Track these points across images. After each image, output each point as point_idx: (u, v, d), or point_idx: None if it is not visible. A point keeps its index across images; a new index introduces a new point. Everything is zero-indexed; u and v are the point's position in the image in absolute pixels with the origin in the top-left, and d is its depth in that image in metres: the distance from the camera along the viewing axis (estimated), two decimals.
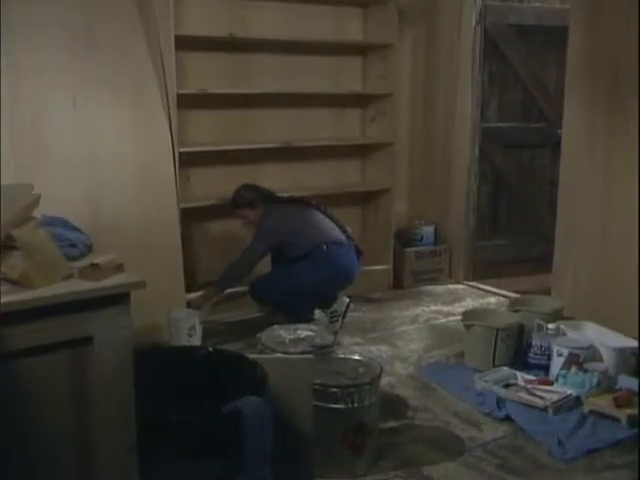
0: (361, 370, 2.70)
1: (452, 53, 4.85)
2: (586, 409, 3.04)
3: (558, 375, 3.33)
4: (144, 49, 3.55)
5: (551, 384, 3.27)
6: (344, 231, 3.99)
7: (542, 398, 3.15)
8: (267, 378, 2.21)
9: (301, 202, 4.01)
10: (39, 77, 3.25)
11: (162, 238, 3.60)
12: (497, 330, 3.46)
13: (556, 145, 4.33)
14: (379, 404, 2.71)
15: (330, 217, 3.99)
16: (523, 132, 5.13)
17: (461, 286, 4.99)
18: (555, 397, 3.15)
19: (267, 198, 3.98)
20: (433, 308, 4.51)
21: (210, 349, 2.46)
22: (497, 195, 5.13)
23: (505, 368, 3.42)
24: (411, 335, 4.00)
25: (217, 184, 4.19)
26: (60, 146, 3.35)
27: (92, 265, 1.87)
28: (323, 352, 2.83)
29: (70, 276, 1.88)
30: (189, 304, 3.84)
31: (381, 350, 3.77)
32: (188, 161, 4.03)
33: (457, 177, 4.95)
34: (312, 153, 4.61)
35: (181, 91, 3.84)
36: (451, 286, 4.97)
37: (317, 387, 2.53)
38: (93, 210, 3.36)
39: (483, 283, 4.96)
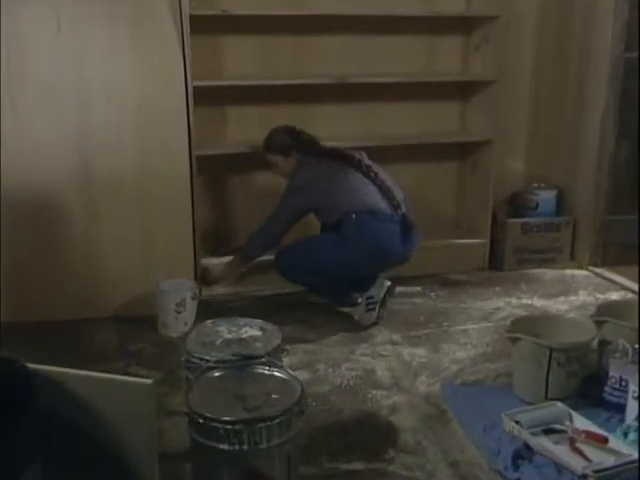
0: (276, 396, 2.10)
1: None
2: None
3: (628, 428, 2.41)
4: None
5: (605, 442, 2.35)
6: (391, 198, 3.32)
7: (586, 459, 2.27)
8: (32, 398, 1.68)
9: (340, 157, 3.42)
10: None
11: (168, 192, 3.37)
12: (551, 350, 2.64)
13: None
14: (302, 444, 2.18)
15: (373, 178, 3.36)
16: None
17: (583, 272, 4.07)
18: (608, 461, 2.25)
19: (305, 147, 3.43)
20: (525, 301, 3.69)
21: None
22: None
23: (559, 404, 2.59)
24: (468, 338, 3.28)
25: (261, 127, 3.64)
26: (44, 77, 3.13)
27: None
28: (249, 364, 2.27)
29: None
30: (205, 274, 3.56)
31: (414, 355, 3.11)
32: (225, 97, 3.73)
33: (589, 128, 3.99)
34: (391, 92, 3.97)
35: (202, 12, 3.43)
36: (569, 271, 4.08)
37: (197, 418, 1.98)
38: (82, 153, 3.24)
39: (613, 271, 3.97)
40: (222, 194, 3.93)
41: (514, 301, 3.67)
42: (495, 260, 4.07)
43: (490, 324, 3.39)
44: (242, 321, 2.55)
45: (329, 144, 3.56)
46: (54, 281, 3.32)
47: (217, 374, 2.20)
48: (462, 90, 4.09)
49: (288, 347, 2.55)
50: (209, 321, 2.55)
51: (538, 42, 4.12)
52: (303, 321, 3.37)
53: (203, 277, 3.58)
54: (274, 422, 1.99)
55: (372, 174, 3.35)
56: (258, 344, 2.40)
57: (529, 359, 2.69)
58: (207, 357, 2.26)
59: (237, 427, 1.97)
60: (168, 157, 3.33)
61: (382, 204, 3.28)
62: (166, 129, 3.31)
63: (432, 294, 3.75)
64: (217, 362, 2.24)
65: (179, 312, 3.22)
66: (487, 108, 3.97)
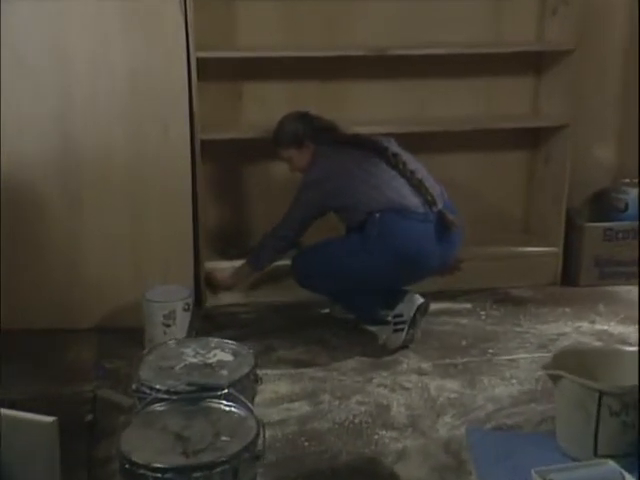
0: (226, 438, 2.05)
1: None
2: None
3: None
4: None
5: None
6: (424, 193, 3.21)
7: None
8: None
9: (363, 145, 3.33)
10: None
11: (164, 182, 3.36)
12: (600, 394, 2.46)
13: None
14: None
15: (401, 170, 3.25)
16: None
17: None
18: None
19: (321, 135, 3.37)
20: (600, 327, 3.52)
21: None
22: None
23: (610, 463, 2.36)
24: (516, 370, 3.14)
25: (283, 107, 3.60)
26: (18, 45, 3.15)
27: None
28: (204, 396, 2.21)
29: None
30: (211, 279, 3.57)
31: (443, 389, 3.00)
32: (240, 72, 3.70)
33: None
34: (443, 66, 3.85)
35: None
36: None
37: (124, 462, 1.93)
38: (64, 136, 3.24)
39: None
40: (235, 186, 3.90)
41: (585, 326, 3.52)
42: (569, 273, 3.95)
43: (548, 354, 3.16)
44: (213, 342, 2.52)
45: (365, 130, 3.49)
46: (29, 284, 3.33)
47: (162, 408, 2.15)
48: (534, 63, 3.96)
49: (261, 375, 2.46)
50: (172, 341, 2.52)
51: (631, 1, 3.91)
52: (318, 340, 3.34)
53: (208, 283, 3.57)
54: (214, 471, 1.91)
55: (400, 165, 3.24)
56: (224, 372, 2.35)
57: (574, 404, 2.52)
58: (157, 386, 2.21)
59: (168, 476, 1.89)
60: (165, 141, 3.30)
61: (412, 200, 3.18)
62: (163, 108, 3.27)
63: (482, 313, 3.63)
64: (167, 393, 2.20)
65: (167, 325, 3.17)
66: (564, 85, 3.82)
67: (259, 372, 2.72)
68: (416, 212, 3.16)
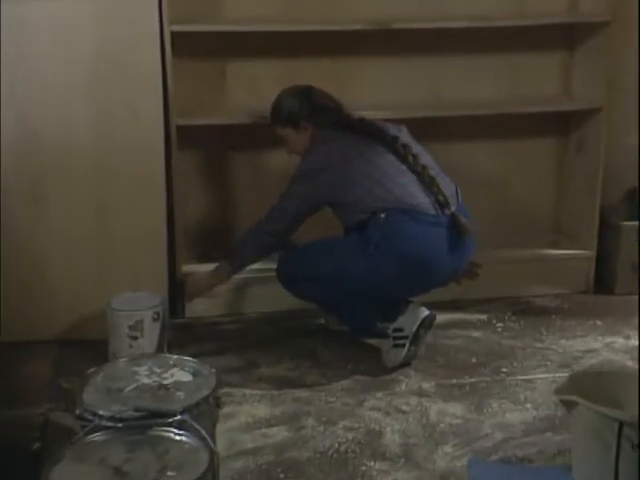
0: (172, 474, 1.98)
1: None
2: None
3: None
4: None
5: None
6: (435, 192, 3.13)
7: None
8: None
9: (370, 131, 3.26)
10: None
11: (134, 173, 3.33)
12: (620, 424, 2.38)
13: None
14: None
15: (412, 164, 3.17)
16: None
17: None
18: None
19: (321, 116, 3.30)
20: (635, 343, 3.42)
21: None
22: None
23: None
24: (532, 393, 3.07)
25: (276, 89, 3.53)
26: None
27: None
28: (153, 424, 2.14)
29: None
30: (182, 286, 3.54)
31: (445, 414, 2.93)
32: (225, 49, 3.66)
33: None
34: (460, 41, 3.81)
35: None
36: None
37: None
38: (17, 115, 3.19)
39: None
40: (218, 178, 3.89)
41: (619, 342, 3.46)
42: (603, 280, 3.94)
43: (573, 372, 3.07)
44: (172, 359, 2.48)
45: (369, 115, 3.41)
46: None
47: (103, 438, 2.09)
48: (564, 37, 3.91)
49: (223, 398, 2.47)
50: (122, 359, 2.49)
51: None
52: (309, 354, 3.31)
53: (183, 287, 3.54)
54: None
55: (410, 158, 3.16)
56: (180, 394, 2.29)
57: (591, 434, 2.45)
58: (101, 412, 2.15)
59: None
60: (135, 126, 3.27)
61: (423, 200, 3.10)
62: (132, 88, 3.25)
63: (499, 325, 3.60)
64: (111, 419, 2.14)
65: (134, 337, 3.13)
66: (599, 62, 3.78)
67: (239, 391, 2.94)
68: (426, 214, 3.08)
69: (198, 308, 3.56)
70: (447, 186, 3.17)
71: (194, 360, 2.47)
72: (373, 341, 3.33)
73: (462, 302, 3.65)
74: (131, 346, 3.13)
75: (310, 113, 3.29)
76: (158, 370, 2.41)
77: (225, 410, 2.71)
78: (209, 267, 3.48)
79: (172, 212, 3.45)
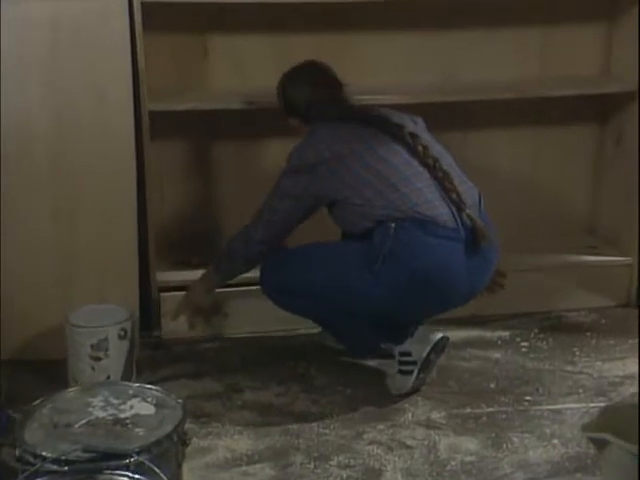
0: None
1: None
2: None
3: None
4: None
5: None
6: (454, 200, 3.08)
7: None
8: None
9: (379, 122, 3.20)
10: None
11: (100, 168, 3.34)
12: None
13: None
14: None
15: (430, 166, 3.10)
16: None
17: None
18: None
19: (321, 99, 3.29)
20: None
21: None
22: None
23: None
24: (560, 426, 3.05)
25: (265, 67, 3.64)
26: None
27: None
28: (105, 467, 2.16)
29: None
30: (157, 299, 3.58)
31: (457, 449, 2.91)
32: (207, 21, 3.70)
33: None
34: (480, 14, 3.84)
35: None
36: None
37: None
38: None
39: None
40: (199, 173, 3.93)
41: None
42: None
43: (606, 404, 3.12)
44: (132, 389, 2.51)
45: (372, 100, 3.45)
46: None
47: None
48: (604, 7, 3.92)
49: (189, 435, 2.44)
50: (73, 389, 2.51)
51: None
52: (299, 378, 3.34)
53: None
54: None
55: (430, 160, 3.09)
56: (139, 431, 2.30)
57: (623, 476, 2.44)
58: (44, 453, 2.16)
59: None
60: (100, 111, 3.31)
61: (441, 210, 3.05)
62: (97, 68, 3.28)
63: (524, 345, 3.61)
64: (57, 462, 2.15)
65: (97, 359, 3.13)
66: None
67: (217, 422, 2.97)
68: (445, 227, 3.04)
69: (174, 324, 3.55)
70: (468, 193, 3.13)
71: (158, 389, 2.49)
72: (375, 362, 3.36)
73: (481, 317, 3.68)
74: (94, 368, 3.15)
75: (312, 100, 3.29)
76: (115, 401, 2.43)
77: (201, 443, 2.77)
78: (188, 275, 3.51)
79: (144, 212, 3.48)
